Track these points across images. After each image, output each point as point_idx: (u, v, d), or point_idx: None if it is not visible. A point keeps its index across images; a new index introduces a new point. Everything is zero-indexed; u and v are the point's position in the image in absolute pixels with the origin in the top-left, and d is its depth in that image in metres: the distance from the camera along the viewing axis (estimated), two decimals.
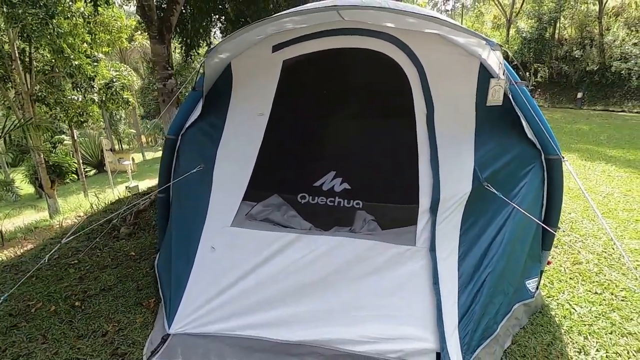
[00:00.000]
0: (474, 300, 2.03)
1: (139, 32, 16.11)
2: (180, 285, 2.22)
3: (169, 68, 4.76)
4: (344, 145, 2.45)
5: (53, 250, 2.35)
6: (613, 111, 14.97)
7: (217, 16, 7.63)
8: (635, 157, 7.26)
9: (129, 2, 8.78)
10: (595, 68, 16.88)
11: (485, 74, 2.34)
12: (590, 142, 8.98)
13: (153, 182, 17.06)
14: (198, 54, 9.13)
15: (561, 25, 19.16)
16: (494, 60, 2.14)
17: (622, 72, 15.78)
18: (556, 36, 19.07)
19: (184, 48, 7.80)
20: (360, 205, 2.29)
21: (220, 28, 8.89)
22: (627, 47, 15.91)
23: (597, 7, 17.44)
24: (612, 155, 7.50)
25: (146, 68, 26.35)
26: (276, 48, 2.56)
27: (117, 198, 5.38)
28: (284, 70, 2.55)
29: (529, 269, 2.44)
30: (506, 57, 1.98)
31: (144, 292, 2.66)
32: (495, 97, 2.18)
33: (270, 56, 2.57)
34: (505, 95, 2.29)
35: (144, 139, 34.44)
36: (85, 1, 7.51)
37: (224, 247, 2.24)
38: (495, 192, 2.14)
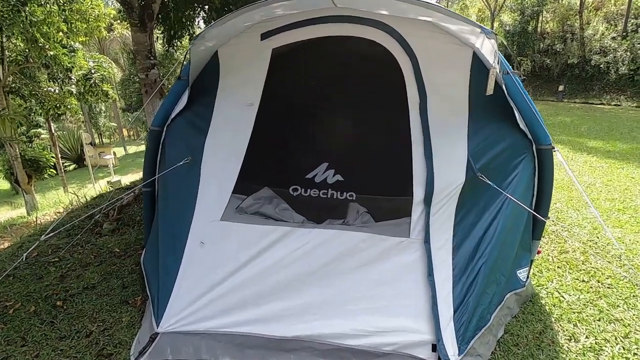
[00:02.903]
0: (468, 290, 2.03)
1: (119, 22, 15.55)
2: (169, 282, 2.14)
3: (152, 57, 4.58)
4: (336, 136, 2.40)
5: (31, 248, 2.23)
6: (592, 104, 15.34)
7: (201, 5, 7.40)
8: (615, 148, 7.46)
9: None
10: (576, 61, 17.24)
11: (478, 64, 2.32)
12: (571, 134, 9.18)
13: (136, 176, 16.67)
14: (180, 43, 8.88)
15: (543, 19, 19.46)
16: (488, 49, 2.11)
17: (601, 65, 16.17)
18: (538, 30, 19.38)
19: (165, 38, 7.56)
20: (354, 197, 2.25)
21: (204, 18, 8.65)
22: (606, 41, 16.29)
23: (578, 1, 17.76)
24: (593, 146, 7.69)
25: (127, 59, 25.53)
26: (265, 36, 2.48)
27: (99, 193, 5.18)
28: (273, 58, 2.47)
29: (520, 258, 2.46)
30: (499, 47, 1.95)
31: (129, 290, 2.56)
32: (492, 86, 2.16)
33: (258, 44, 2.48)
34: (497, 84, 2.27)
35: (125, 132, 33.60)
36: None
37: (214, 241, 2.17)
38: (490, 182, 2.13)
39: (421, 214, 2.16)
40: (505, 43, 2.09)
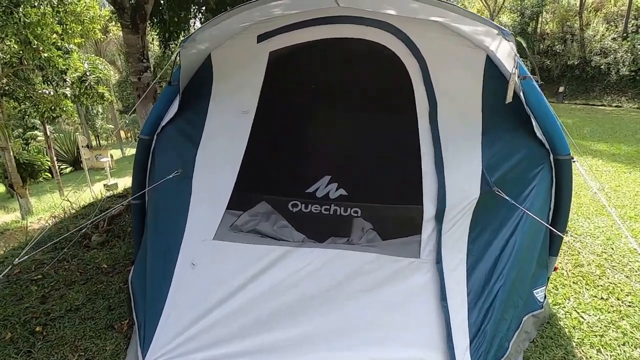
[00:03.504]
0: (485, 317, 1.85)
1: (113, 23, 15.36)
2: (157, 308, 1.95)
3: (144, 60, 4.40)
4: (339, 146, 2.22)
5: (4, 272, 2.03)
6: (594, 105, 15.23)
7: (196, 6, 7.22)
8: (619, 151, 7.31)
9: None
10: (576, 62, 17.14)
11: (492, 68, 2.16)
12: (574, 136, 9.01)
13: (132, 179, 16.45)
14: (176, 45, 8.70)
15: (543, 19, 19.37)
16: (505, 52, 1.93)
17: (602, 66, 16.07)
18: (538, 30, 19.28)
19: (161, 39, 7.38)
20: (359, 213, 2.07)
21: (200, 19, 8.48)
22: (606, 42, 16.19)
23: (577, 2, 17.67)
24: (597, 149, 7.54)
25: (124, 61, 25.34)
26: (262, 38, 2.30)
27: (89, 201, 4.99)
28: (270, 62, 2.29)
29: (537, 277, 2.28)
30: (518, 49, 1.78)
31: (116, 313, 2.37)
32: (511, 94, 1.98)
33: (255, 47, 2.31)
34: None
35: (123, 134, 33.42)
36: None
37: (206, 263, 1.98)
38: (507, 197, 1.95)
39: (432, 231, 1.98)
40: (525, 45, 1.91)
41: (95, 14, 11.26)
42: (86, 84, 12.80)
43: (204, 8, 7.64)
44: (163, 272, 2.04)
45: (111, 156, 21.42)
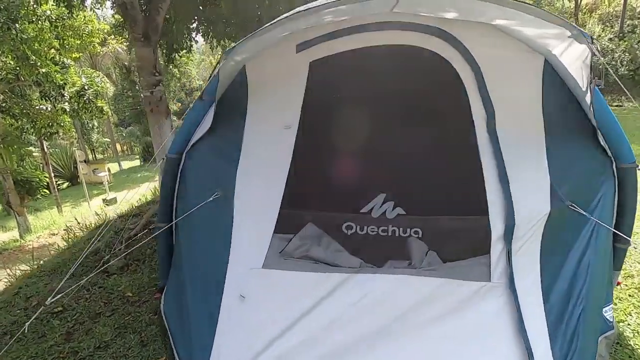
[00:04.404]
0: (570, 348, 1.68)
1: (113, 37, 15.22)
2: (204, 344, 1.77)
3: (157, 74, 4.25)
4: (390, 160, 2.06)
5: (33, 318, 1.84)
6: None
7: (201, 18, 7.10)
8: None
9: (102, 4, 8.04)
10: None
11: (551, 73, 2.02)
12: None
13: (132, 193, 16.18)
14: (180, 57, 8.55)
15: None
16: (574, 56, 1.80)
17: (600, 67, 16.13)
18: None
19: (165, 51, 7.24)
20: (420, 233, 1.91)
21: (201, 30, 8.36)
22: (603, 42, 16.30)
23: (572, 4, 17.84)
24: None
25: (119, 74, 25.20)
26: (301, 47, 2.15)
27: (98, 222, 4.78)
28: (311, 73, 2.14)
29: (606, 295, 2.12)
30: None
31: (150, 349, 2.18)
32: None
33: (294, 57, 2.16)
34: (573, 95, 1.99)
35: (119, 147, 33.13)
36: (57, 2, 6.83)
37: (257, 294, 1.80)
38: (584, 213, 1.80)
39: (502, 252, 1.82)
40: (598, 49, 1.77)
41: (94, 28, 11.12)
42: (85, 98, 12.59)
43: (206, 20, 7.55)
44: (207, 305, 1.86)
45: (108, 170, 21.14)
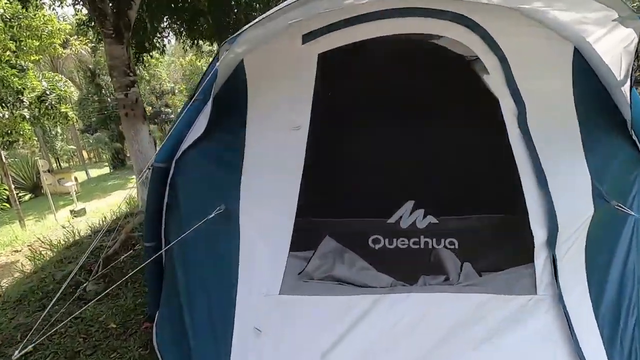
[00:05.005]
0: None
1: (76, 37, 14.31)
2: None
3: (131, 74, 3.85)
4: (416, 162, 1.85)
5: None
6: None
7: (177, 15, 6.66)
8: None
9: (62, 2, 7.36)
10: None
11: (581, 63, 1.87)
12: None
13: (102, 202, 15.27)
14: (151, 56, 8.04)
15: None
16: (613, 43, 1.65)
17: None
18: None
19: (134, 51, 6.74)
20: (455, 244, 1.70)
21: (174, 29, 7.91)
22: None
23: None
24: None
25: (83, 77, 23.88)
26: (308, 37, 1.90)
27: (73, 237, 4.31)
28: (320, 66, 1.89)
29: None
30: None
31: None
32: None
33: (299, 49, 1.90)
34: (604, 87, 1.85)
35: (86, 155, 31.50)
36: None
37: (275, 326, 1.53)
38: (633, 213, 1.65)
39: (546, 260, 1.65)
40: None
41: (54, 28, 10.33)
42: (46, 103, 11.71)
43: (179, 17, 7.13)
44: (214, 340, 1.58)
45: (75, 179, 19.95)
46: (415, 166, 1.85)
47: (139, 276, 3.04)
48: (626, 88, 1.74)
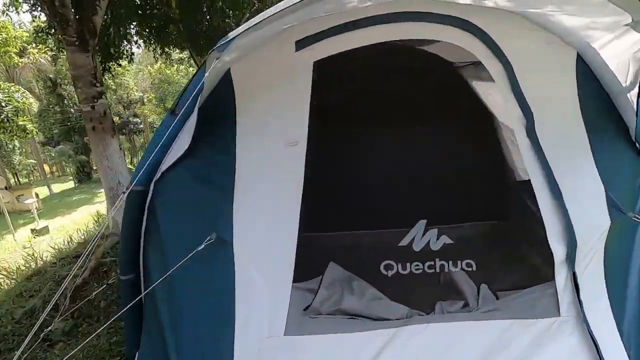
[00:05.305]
0: None
1: (33, 45, 13.45)
2: None
3: (97, 84, 3.54)
4: (424, 176, 1.72)
5: None
6: None
7: (145, 22, 6.32)
8: None
9: (17, 7, 6.79)
10: None
11: (584, 68, 1.82)
12: None
13: (66, 219, 14.34)
14: (119, 65, 7.61)
15: None
16: (622, 49, 1.59)
17: None
18: None
19: (100, 58, 6.34)
20: (473, 266, 1.57)
21: (144, 35, 7.54)
22: None
23: None
24: None
25: (43, 87, 22.60)
26: (301, 44, 1.74)
27: (34, 266, 3.89)
28: (316, 75, 1.74)
29: None
30: None
31: None
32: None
33: (293, 56, 1.74)
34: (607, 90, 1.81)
35: (47, 169, 29.77)
36: None
37: None
38: None
39: (567, 278, 1.55)
40: None
41: (9, 36, 9.65)
42: (2, 116, 10.87)
43: (149, 24, 6.80)
44: None
45: (36, 195, 18.72)
46: (426, 181, 1.72)
47: (114, 308, 2.75)
48: (633, 94, 1.69)
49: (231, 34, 1.32)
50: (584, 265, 1.57)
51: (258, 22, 1.28)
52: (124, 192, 1.94)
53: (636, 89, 1.68)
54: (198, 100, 1.60)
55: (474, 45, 1.77)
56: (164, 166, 1.78)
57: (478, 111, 1.88)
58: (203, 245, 1.49)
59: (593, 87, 1.80)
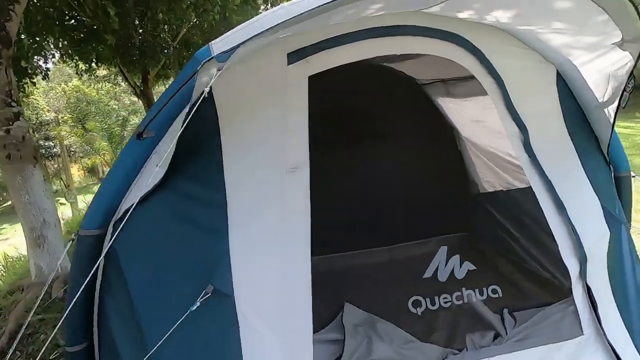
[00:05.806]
0: None
1: None
2: None
3: (13, 103, 2.93)
4: (441, 197, 1.60)
5: None
6: None
7: (62, 31, 5.55)
8: None
9: None
10: None
11: (563, 86, 1.89)
12: None
13: None
14: (34, 83, 6.58)
15: None
16: (602, 67, 1.67)
17: None
18: None
19: (11, 71, 5.40)
20: (498, 292, 1.47)
21: (62, 49, 6.68)
22: None
23: None
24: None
25: None
26: (294, 57, 1.54)
27: None
28: (312, 91, 1.55)
29: None
30: None
31: None
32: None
33: (284, 70, 1.53)
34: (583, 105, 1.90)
35: None
36: None
37: None
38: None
39: (583, 294, 1.53)
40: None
41: None
42: None
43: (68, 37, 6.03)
44: None
45: None
46: (440, 203, 1.61)
47: None
48: (611, 109, 1.79)
49: (235, 41, 1.08)
50: (594, 279, 1.57)
51: (270, 27, 1.06)
52: (72, 239, 1.54)
53: (616, 103, 1.78)
54: (179, 121, 1.31)
55: (467, 59, 1.74)
56: (126, 203, 1.44)
57: (441, 127, 1.85)
58: (198, 304, 1.18)
59: (573, 103, 1.87)
